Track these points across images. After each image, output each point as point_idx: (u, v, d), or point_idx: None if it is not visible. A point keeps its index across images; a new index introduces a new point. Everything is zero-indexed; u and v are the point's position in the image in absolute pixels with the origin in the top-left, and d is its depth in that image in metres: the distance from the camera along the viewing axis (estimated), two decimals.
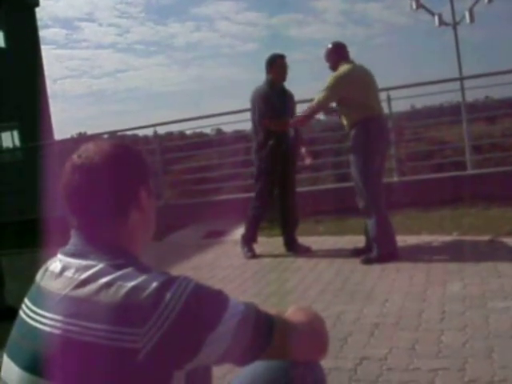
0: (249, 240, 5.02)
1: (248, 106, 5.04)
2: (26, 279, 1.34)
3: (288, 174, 4.95)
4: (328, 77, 4.37)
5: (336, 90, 4.31)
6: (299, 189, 6.06)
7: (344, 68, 4.35)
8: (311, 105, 4.47)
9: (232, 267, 4.72)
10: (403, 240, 4.59)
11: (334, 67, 4.46)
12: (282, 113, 4.76)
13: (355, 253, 4.50)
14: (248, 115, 5.14)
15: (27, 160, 13.19)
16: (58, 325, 1.00)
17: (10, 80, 16.54)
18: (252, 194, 5.14)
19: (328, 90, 4.31)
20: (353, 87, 4.30)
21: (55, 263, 1.12)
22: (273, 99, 4.78)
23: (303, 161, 5.11)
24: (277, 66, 4.87)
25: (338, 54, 4.46)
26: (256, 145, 4.90)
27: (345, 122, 4.43)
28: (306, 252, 4.87)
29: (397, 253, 4.31)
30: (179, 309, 0.98)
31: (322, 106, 4.43)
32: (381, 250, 4.27)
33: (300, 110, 5.74)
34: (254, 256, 4.91)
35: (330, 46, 4.51)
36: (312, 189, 7.27)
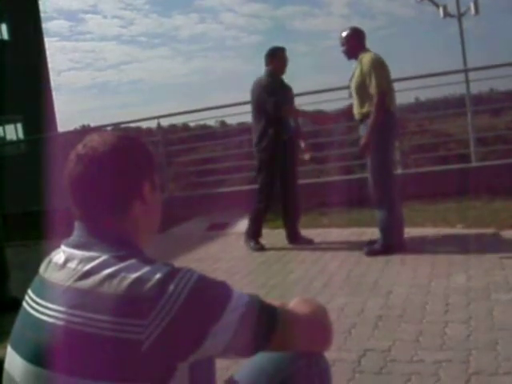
0: (254, 234, 4.99)
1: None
2: (31, 271, 1.34)
3: (289, 166, 4.91)
4: (365, 66, 4.14)
5: (381, 72, 4.13)
6: (304, 181, 6.06)
7: (374, 56, 4.19)
8: (376, 98, 4.08)
9: (236, 259, 4.72)
10: (407, 232, 4.57)
11: (350, 52, 4.34)
12: (283, 104, 4.74)
13: (371, 244, 4.38)
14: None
15: (31, 152, 13.22)
16: (62, 316, 1.00)
17: (13, 72, 16.55)
18: (255, 187, 5.10)
19: (376, 74, 4.08)
20: (385, 76, 4.18)
21: (59, 255, 1.12)
22: (276, 89, 4.76)
23: (303, 155, 5.06)
24: (278, 58, 4.87)
25: (357, 39, 4.33)
26: (256, 136, 4.88)
27: (360, 110, 4.25)
28: (308, 244, 4.86)
29: (402, 245, 4.30)
30: (182, 300, 0.98)
31: (384, 91, 4.11)
32: (387, 241, 4.25)
33: (301, 102, 5.72)
34: (262, 248, 4.90)
35: (348, 30, 4.35)
36: (316, 181, 7.25)
